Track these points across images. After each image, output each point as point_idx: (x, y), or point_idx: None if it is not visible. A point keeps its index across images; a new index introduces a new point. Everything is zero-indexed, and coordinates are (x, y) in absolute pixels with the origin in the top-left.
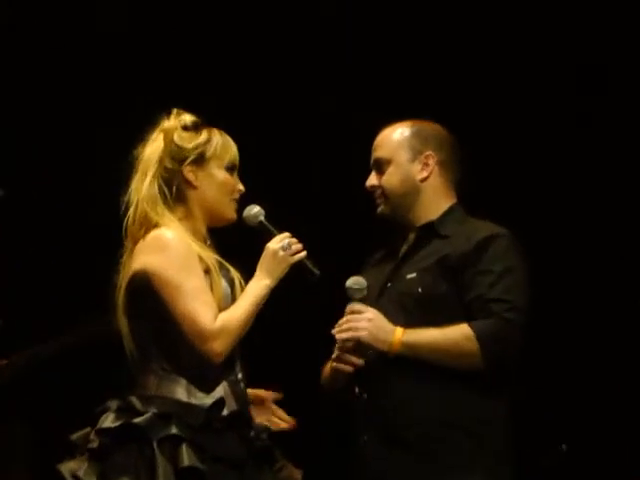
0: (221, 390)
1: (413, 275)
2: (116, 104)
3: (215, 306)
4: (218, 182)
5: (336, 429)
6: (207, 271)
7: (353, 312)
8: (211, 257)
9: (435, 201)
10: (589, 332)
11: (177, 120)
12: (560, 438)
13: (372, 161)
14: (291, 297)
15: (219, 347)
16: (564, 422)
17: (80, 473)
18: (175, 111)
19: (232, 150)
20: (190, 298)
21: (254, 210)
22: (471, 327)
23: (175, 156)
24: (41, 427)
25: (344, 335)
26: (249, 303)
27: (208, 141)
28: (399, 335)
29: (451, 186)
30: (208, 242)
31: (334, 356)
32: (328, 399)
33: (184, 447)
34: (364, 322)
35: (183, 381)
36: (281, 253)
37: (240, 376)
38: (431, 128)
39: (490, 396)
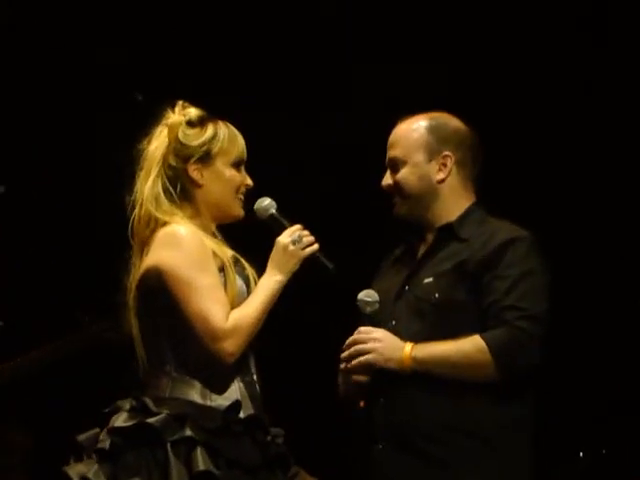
0: (237, 392)
1: (430, 280)
2: (117, 99)
3: (228, 304)
4: (224, 180)
5: (352, 435)
6: (222, 268)
7: (360, 333)
8: (226, 253)
9: (454, 201)
10: (608, 338)
11: (182, 114)
12: (578, 446)
13: (387, 159)
14: (306, 295)
15: (231, 347)
16: (582, 430)
17: (90, 475)
18: (180, 104)
19: (239, 145)
20: (202, 296)
21: (265, 202)
22: (483, 338)
23: (179, 154)
24: (40, 430)
25: (354, 363)
26: (261, 301)
27: (214, 137)
28: (408, 351)
29: (470, 185)
30: (219, 238)
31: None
32: (345, 405)
33: (199, 450)
34: (372, 343)
35: (197, 384)
36: (291, 247)
37: (255, 377)
38: (449, 124)
39: (508, 403)
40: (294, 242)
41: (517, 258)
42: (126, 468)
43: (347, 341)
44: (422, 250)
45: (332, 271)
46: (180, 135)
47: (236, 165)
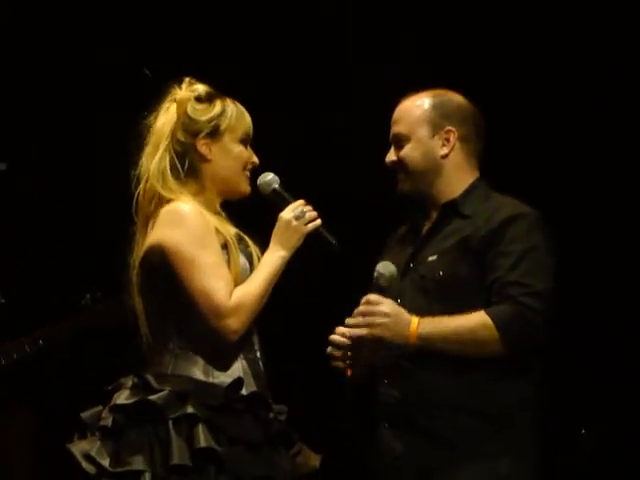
0: (239, 369)
1: (434, 258)
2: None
3: (231, 282)
4: (232, 155)
5: (356, 414)
6: (225, 245)
7: (369, 303)
8: (229, 231)
9: (457, 177)
10: (612, 312)
11: (190, 90)
12: (580, 423)
13: (391, 136)
14: (309, 273)
15: (234, 324)
16: (584, 406)
17: (92, 452)
18: (187, 80)
19: (246, 121)
20: (205, 274)
21: (268, 177)
22: (488, 314)
23: (188, 129)
24: (44, 409)
25: (358, 332)
26: (264, 277)
27: (222, 113)
28: (414, 327)
29: (473, 161)
30: (223, 215)
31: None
32: (348, 384)
33: (200, 427)
34: (380, 317)
35: (200, 360)
36: (294, 223)
37: (259, 354)
38: (452, 100)
39: (514, 382)
40: (297, 217)
41: (520, 234)
42: (128, 445)
43: (356, 311)
44: (426, 227)
45: (335, 246)
46: (189, 110)
47: (243, 142)
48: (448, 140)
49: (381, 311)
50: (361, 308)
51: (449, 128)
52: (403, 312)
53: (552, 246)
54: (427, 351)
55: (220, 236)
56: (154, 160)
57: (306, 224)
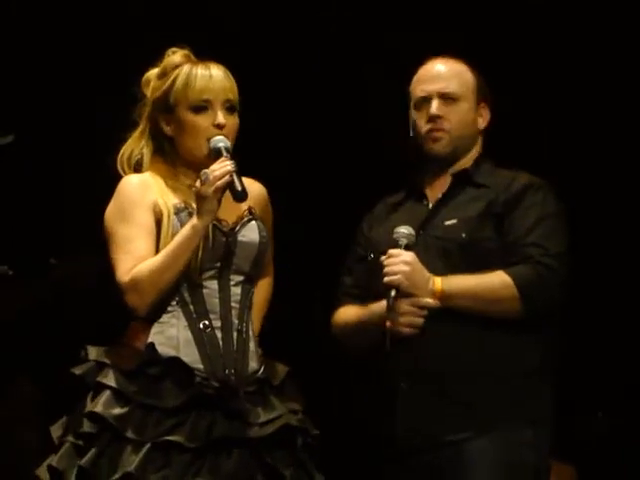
0: (179, 338)
1: (454, 221)
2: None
3: (141, 257)
4: (187, 128)
5: (371, 379)
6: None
7: (390, 256)
8: (169, 204)
9: (475, 151)
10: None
11: (158, 66)
12: (596, 406)
13: (438, 91)
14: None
15: (132, 300)
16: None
17: (54, 426)
18: (169, 52)
19: (195, 87)
20: (115, 248)
21: (218, 138)
22: (508, 274)
23: (151, 107)
24: (48, 386)
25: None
26: (170, 248)
27: (171, 85)
28: (438, 285)
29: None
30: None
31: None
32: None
33: (105, 395)
34: (401, 266)
35: (148, 331)
36: (201, 189)
37: (220, 323)
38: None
39: (533, 348)
40: (203, 183)
41: (538, 200)
42: (71, 417)
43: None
44: (433, 195)
45: (240, 194)
46: (151, 89)
47: (196, 109)
48: (483, 115)
49: (403, 260)
50: (383, 257)
51: (484, 104)
52: (422, 267)
53: (565, 215)
54: (446, 310)
55: (158, 210)
56: (134, 135)
57: (214, 183)
